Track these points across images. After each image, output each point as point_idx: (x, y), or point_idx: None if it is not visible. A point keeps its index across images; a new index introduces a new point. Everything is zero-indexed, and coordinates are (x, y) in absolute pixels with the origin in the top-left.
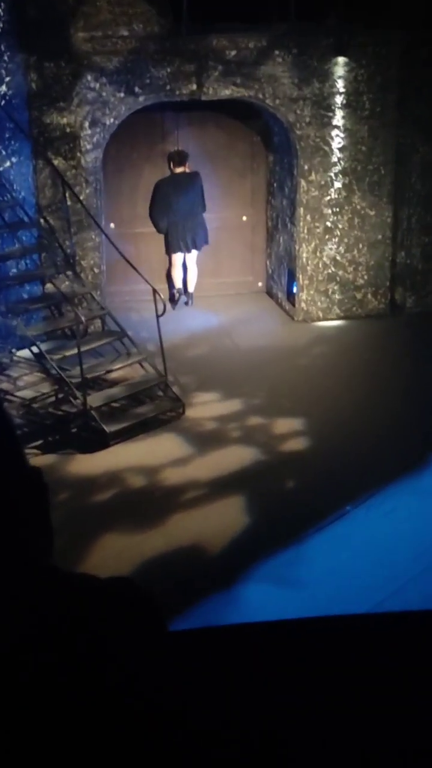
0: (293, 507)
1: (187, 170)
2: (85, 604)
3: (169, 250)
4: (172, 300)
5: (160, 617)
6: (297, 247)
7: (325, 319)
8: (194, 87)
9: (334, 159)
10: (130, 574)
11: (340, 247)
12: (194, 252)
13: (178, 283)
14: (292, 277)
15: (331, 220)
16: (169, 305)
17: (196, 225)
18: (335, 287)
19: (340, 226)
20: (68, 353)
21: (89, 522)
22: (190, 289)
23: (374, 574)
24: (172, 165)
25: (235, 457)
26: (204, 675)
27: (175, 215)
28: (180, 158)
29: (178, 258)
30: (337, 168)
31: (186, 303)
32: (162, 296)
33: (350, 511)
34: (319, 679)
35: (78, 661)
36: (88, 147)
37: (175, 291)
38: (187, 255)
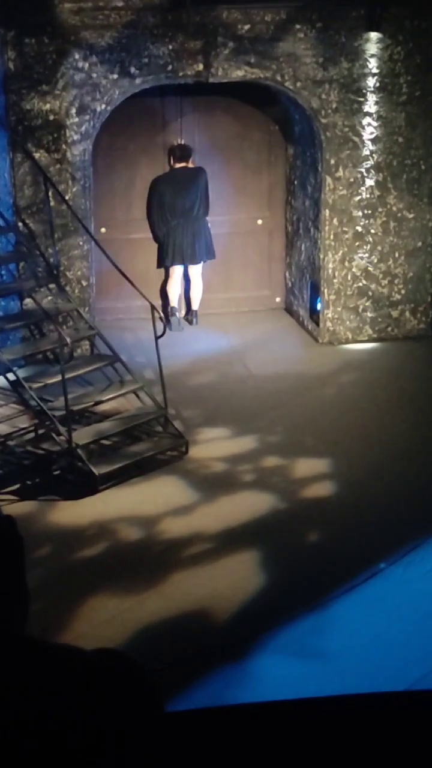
0: (316, 564)
1: (190, 166)
2: (66, 682)
3: (164, 262)
4: (167, 319)
5: (156, 696)
6: (322, 256)
7: (355, 341)
8: (200, 67)
9: (366, 152)
10: (121, 645)
11: (373, 256)
12: (198, 265)
13: (173, 300)
14: (315, 292)
15: (361, 224)
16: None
17: (196, 232)
18: (367, 303)
19: (372, 231)
20: (50, 381)
21: (74, 582)
22: (194, 306)
23: (413, 645)
24: (172, 160)
25: (247, 505)
26: (210, 764)
27: (172, 219)
28: (182, 153)
29: (176, 270)
30: (369, 163)
31: (190, 322)
32: (161, 314)
33: (384, 569)
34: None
35: (58, 749)
36: (75, 138)
37: (169, 308)
38: (190, 267)
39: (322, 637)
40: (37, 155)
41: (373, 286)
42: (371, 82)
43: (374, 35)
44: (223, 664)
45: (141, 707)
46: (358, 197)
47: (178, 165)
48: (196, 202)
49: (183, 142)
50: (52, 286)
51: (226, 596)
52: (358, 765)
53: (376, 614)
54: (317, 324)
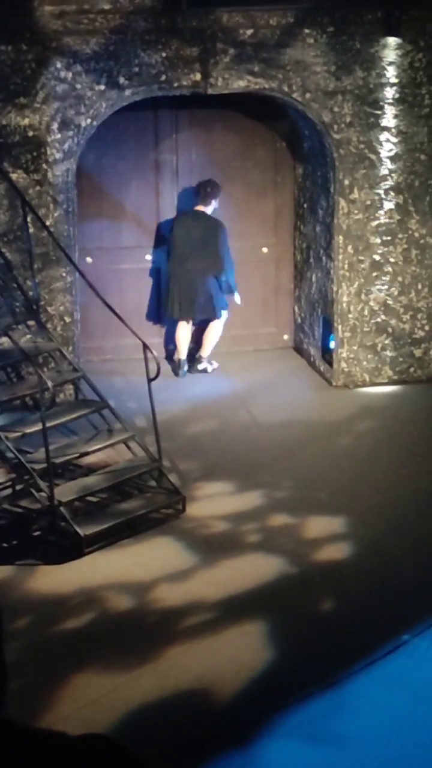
0: (331, 637)
1: (209, 210)
2: None
3: (165, 310)
4: (174, 371)
5: None
6: (335, 288)
7: (373, 383)
8: (198, 77)
9: (384, 171)
10: (109, 730)
11: (393, 288)
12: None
13: (182, 351)
14: (328, 328)
15: (380, 252)
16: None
17: (199, 288)
18: (386, 341)
19: (392, 259)
20: (29, 430)
21: (56, 657)
22: (203, 353)
23: None
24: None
25: (252, 570)
26: None
27: (176, 267)
28: (202, 193)
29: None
30: (388, 183)
31: (191, 369)
32: (155, 354)
33: (408, 641)
34: None
35: None
36: (58, 156)
37: (176, 360)
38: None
39: (337, 719)
40: (14, 176)
41: (393, 322)
42: (389, 92)
43: (392, 40)
44: (225, 749)
45: None
46: (376, 222)
47: (196, 207)
48: (204, 257)
49: (210, 179)
50: (31, 323)
51: (229, 673)
52: None
53: (398, 693)
54: (330, 365)
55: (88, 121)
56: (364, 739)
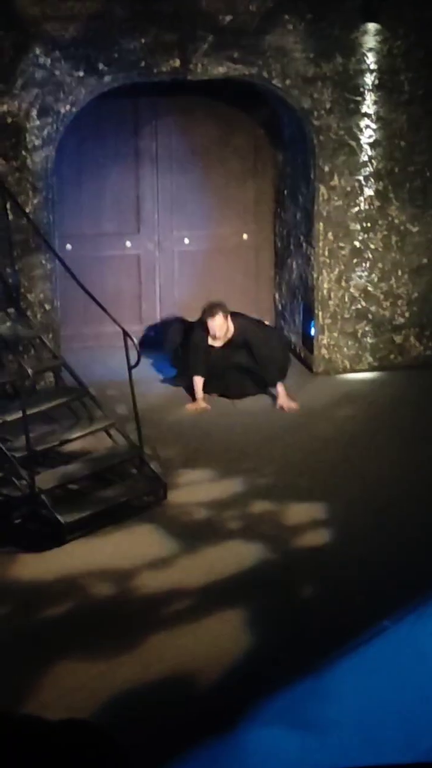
0: (312, 623)
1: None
2: (29, 758)
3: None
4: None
5: None
6: (315, 275)
7: (354, 370)
8: (177, 63)
9: (364, 158)
10: (92, 716)
11: (373, 275)
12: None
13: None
14: (309, 315)
15: (360, 238)
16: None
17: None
18: (367, 328)
19: (372, 246)
20: (9, 418)
21: (37, 645)
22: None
23: (421, 712)
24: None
25: (233, 557)
26: None
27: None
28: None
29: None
30: (368, 170)
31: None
32: (135, 341)
33: (389, 627)
34: None
35: None
36: (37, 143)
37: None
38: None
39: (319, 705)
40: None
41: (373, 309)
42: (369, 79)
43: (372, 27)
44: (206, 736)
45: None
46: (356, 209)
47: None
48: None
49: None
50: (10, 310)
51: (210, 660)
52: None
53: (379, 678)
54: (311, 351)
55: (68, 107)
56: (345, 724)
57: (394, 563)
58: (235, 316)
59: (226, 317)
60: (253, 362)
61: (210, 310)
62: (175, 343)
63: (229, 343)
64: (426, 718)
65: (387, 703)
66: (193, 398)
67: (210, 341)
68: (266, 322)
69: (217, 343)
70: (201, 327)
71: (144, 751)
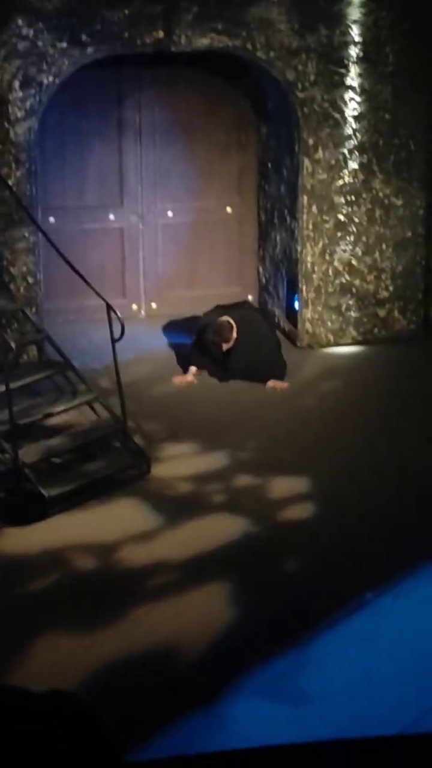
0: (295, 596)
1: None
2: (12, 728)
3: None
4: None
5: (113, 744)
6: (299, 249)
7: (338, 344)
8: (161, 35)
9: (348, 131)
10: (76, 689)
11: (357, 248)
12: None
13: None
14: (292, 289)
15: (344, 212)
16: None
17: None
18: (350, 302)
19: (356, 219)
20: None
21: (21, 618)
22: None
23: (404, 684)
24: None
25: (217, 530)
26: None
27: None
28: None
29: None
30: (352, 142)
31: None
32: (119, 314)
33: (371, 600)
34: None
35: None
36: (19, 115)
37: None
38: None
39: (303, 677)
40: None
41: (357, 282)
42: (354, 51)
43: None
44: (191, 708)
45: (96, 757)
46: (340, 182)
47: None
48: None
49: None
50: None
51: (194, 633)
52: None
53: (362, 651)
54: (295, 325)
55: (51, 79)
56: (328, 696)
57: (377, 536)
58: (234, 317)
59: (233, 330)
60: (253, 364)
61: (221, 334)
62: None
63: (232, 350)
64: (409, 690)
65: (369, 676)
66: (183, 372)
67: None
68: (249, 298)
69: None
70: (207, 341)
71: (128, 722)
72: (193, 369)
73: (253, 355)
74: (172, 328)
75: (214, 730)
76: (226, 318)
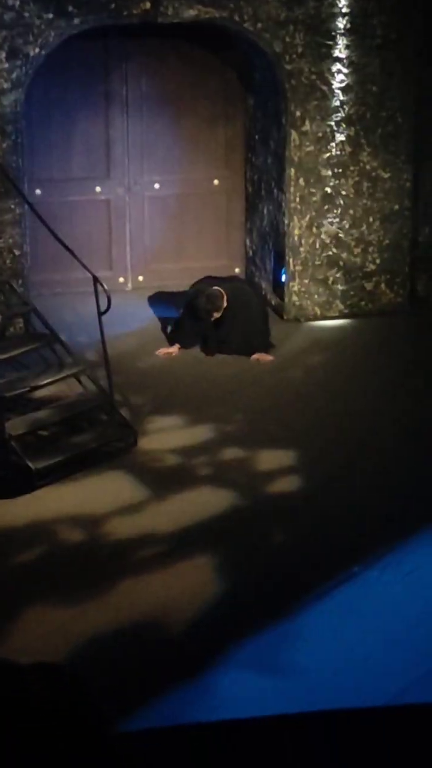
0: (282, 569)
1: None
2: None
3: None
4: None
5: (99, 716)
6: (286, 221)
7: (324, 317)
8: (148, 6)
9: (336, 103)
10: (63, 660)
11: (344, 221)
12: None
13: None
14: (279, 262)
15: (331, 184)
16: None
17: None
18: (338, 275)
19: (343, 192)
20: None
21: (8, 591)
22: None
23: (390, 656)
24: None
25: (204, 503)
26: None
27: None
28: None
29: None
30: (340, 115)
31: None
32: (106, 287)
33: (358, 572)
34: None
35: None
36: (5, 86)
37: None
38: None
39: (289, 649)
40: None
41: (344, 255)
42: (341, 23)
43: None
44: (178, 680)
45: (84, 728)
46: (328, 154)
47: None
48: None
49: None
50: None
51: (181, 605)
52: None
53: (348, 623)
54: (282, 298)
55: (37, 50)
56: (314, 668)
57: (364, 509)
58: (224, 287)
59: (223, 299)
60: (240, 334)
61: (213, 302)
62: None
63: (221, 319)
64: (395, 663)
65: (356, 648)
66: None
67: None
68: (237, 271)
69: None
70: (198, 307)
71: (114, 694)
72: (176, 346)
73: (241, 326)
74: (158, 300)
75: (202, 701)
76: (217, 288)
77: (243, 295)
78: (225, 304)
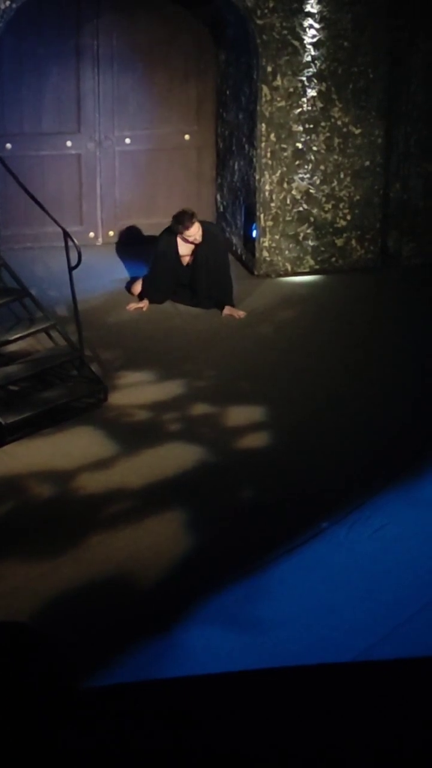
0: (251, 524)
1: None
2: None
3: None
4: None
5: (65, 673)
6: (257, 177)
7: (295, 273)
8: None
9: (307, 58)
10: (32, 617)
11: (315, 177)
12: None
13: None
14: (250, 217)
15: (302, 140)
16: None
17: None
18: (308, 231)
19: (314, 148)
20: None
21: None
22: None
23: (358, 612)
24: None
25: (173, 458)
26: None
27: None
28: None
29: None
30: (311, 70)
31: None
32: (76, 242)
33: (326, 529)
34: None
35: None
36: None
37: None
38: None
39: (257, 604)
40: None
41: (315, 211)
42: None
43: None
44: (147, 635)
45: (50, 684)
46: (299, 110)
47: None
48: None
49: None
50: None
51: (150, 561)
52: (299, 743)
53: (317, 579)
54: (252, 254)
55: (7, 3)
56: (283, 623)
57: (333, 465)
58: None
59: (200, 228)
60: (210, 283)
61: (189, 216)
62: None
63: (194, 259)
64: (363, 619)
65: (324, 604)
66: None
67: (180, 250)
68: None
69: (185, 253)
70: (170, 235)
71: (83, 650)
72: (146, 301)
73: (213, 275)
74: (128, 255)
75: (170, 656)
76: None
77: (216, 239)
78: (200, 238)
